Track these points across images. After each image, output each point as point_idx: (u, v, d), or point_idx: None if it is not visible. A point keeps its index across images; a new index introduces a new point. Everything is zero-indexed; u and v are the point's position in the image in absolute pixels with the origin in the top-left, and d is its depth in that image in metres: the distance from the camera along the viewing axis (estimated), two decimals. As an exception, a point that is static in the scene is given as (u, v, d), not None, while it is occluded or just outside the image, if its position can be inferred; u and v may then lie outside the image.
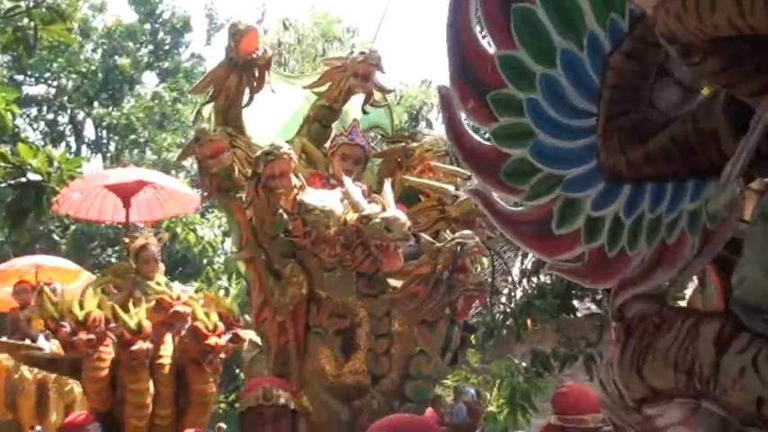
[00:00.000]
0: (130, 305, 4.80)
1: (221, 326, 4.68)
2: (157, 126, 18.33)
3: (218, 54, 4.52)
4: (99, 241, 15.39)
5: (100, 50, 19.93)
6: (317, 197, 3.69)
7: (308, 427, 3.80)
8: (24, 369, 6.23)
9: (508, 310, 6.79)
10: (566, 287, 6.28)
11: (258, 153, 3.80)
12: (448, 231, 3.74)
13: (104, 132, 19.66)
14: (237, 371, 9.37)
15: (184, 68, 20.05)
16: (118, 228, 16.22)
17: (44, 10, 4.66)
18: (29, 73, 19.22)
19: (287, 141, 4.07)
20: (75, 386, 6.01)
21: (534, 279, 6.71)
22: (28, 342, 5.95)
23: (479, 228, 3.79)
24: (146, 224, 6.60)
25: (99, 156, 19.45)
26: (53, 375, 6.14)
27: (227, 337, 4.71)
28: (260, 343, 4.32)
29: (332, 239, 3.64)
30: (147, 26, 20.53)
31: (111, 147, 19.43)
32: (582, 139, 1.75)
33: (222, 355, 4.79)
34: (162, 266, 5.38)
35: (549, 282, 6.61)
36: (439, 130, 4.44)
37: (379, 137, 4.87)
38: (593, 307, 7.35)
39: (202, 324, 4.69)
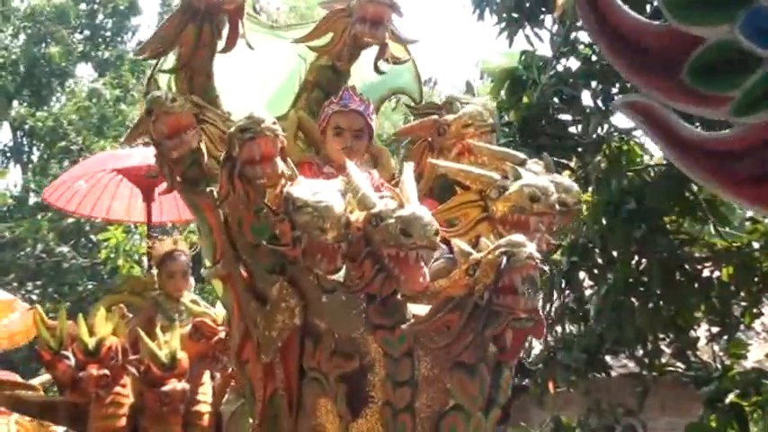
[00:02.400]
0: (158, 331, 4.42)
1: None
2: (95, 131, 18.00)
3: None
4: (17, 273, 15.21)
5: (22, 36, 19.75)
6: (308, 189, 3.29)
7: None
8: None
9: (524, 365, 6.56)
10: (597, 339, 5.98)
11: (232, 129, 3.41)
12: (491, 236, 3.30)
13: (26, 138, 19.53)
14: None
15: (129, 60, 19.63)
16: (42, 257, 16.21)
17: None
18: (-70, 64, 19.17)
19: (280, 118, 3.67)
20: None
21: (558, 328, 6.39)
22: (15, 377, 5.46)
23: (536, 231, 3.36)
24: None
25: (18, 167, 19.34)
26: None
27: None
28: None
29: (330, 248, 3.22)
30: (83, 7, 20.46)
31: (35, 156, 19.26)
32: None
33: None
34: (192, 283, 5.03)
35: (576, 332, 6.32)
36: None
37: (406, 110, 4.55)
38: (632, 365, 7.09)
39: None
